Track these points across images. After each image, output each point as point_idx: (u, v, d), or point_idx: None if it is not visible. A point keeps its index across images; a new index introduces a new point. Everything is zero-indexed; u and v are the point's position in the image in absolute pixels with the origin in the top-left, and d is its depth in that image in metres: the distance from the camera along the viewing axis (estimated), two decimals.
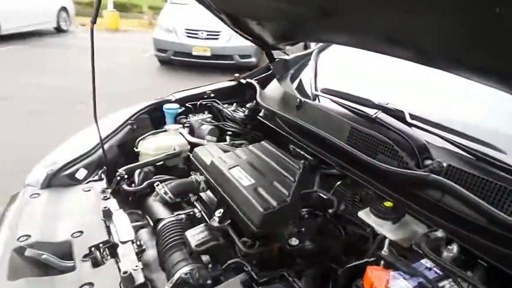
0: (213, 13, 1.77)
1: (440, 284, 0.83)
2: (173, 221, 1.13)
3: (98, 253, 1.02)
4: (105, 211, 1.16)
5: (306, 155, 1.44)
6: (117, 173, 1.38)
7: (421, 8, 0.78)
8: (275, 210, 1.03)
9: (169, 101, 1.86)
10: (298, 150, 1.50)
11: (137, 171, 1.48)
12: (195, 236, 1.00)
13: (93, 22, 1.19)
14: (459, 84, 1.13)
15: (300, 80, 1.84)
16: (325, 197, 1.22)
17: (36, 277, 0.95)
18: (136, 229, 1.22)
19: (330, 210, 1.20)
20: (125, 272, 0.91)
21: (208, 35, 6.97)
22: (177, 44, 7.07)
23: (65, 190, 1.32)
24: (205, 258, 0.98)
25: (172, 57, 7.19)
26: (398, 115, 1.25)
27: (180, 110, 1.83)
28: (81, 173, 1.40)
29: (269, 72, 2.02)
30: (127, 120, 1.67)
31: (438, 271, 0.87)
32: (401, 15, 0.86)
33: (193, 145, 1.60)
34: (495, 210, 0.89)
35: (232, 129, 1.74)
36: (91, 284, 0.93)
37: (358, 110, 1.35)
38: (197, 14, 7.30)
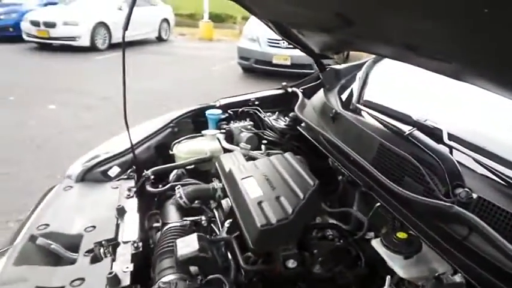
0: (262, 21, 1.73)
1: None
2: (176, 226, 1.10)
3: (101, 250, 1.03)
4: (119, 209, 1.18)
5: (344, 170, 1.30)
6: (143, 174, 1.40)
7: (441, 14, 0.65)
8: (272, 227, 0.94)
9: (213, 107, 1.85)
10: (337, 163, 1.37)
11: (172, 173, 1.49)
12: (184, 245, 0.95)
13: (125, 29, 1.22)
14: (506, 105, 0.93)
15: (347, 90, 1.71)
16: (358, 217, 1.09)
17: (39, 265, 0.99)
18: (154, 231, 1.22)
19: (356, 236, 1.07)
20: (110, 273, 0.90)
21: (288, 44, 6.94)
22: (259, 52, 7.19)
23: (96, 185, 1.37)
24: (193, 268, 0.93)
25: (253, 64, 7.34)
26: (435, 134, 1.08)
27: (222, 116, 1.81)
28: (114, 171, 1.44)
29: (318, 82, 1.90)
30: (168, 123, 1.70)
31: None
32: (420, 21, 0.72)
33: (227, 151, 1.57)
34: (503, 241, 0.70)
35: (269, 138, 1.66)
36: (82, 279, 0.93)
37: (393, 125, 1.19)
38: None
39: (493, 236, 0.74)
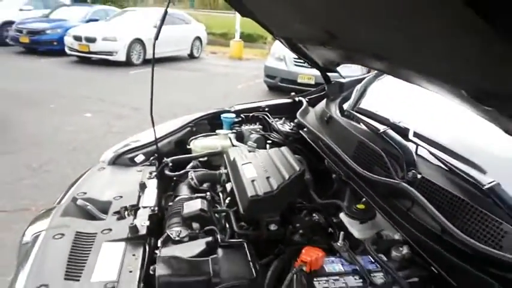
0: (276, 38, 2.02)
1: (373, 275, 0.90)
2: (185, 197, 1.37)
3: (125, 212, 1.31)
4: (141, 184, 1.47)
5: (337, 169, 1.54)
6: (163, 161, 1.69)
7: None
8: (259, 198, 1.19)
9: (228, 111, 2.14)
10: (331, 163, 1.61)
11: (191, 164, 1.76)
12: (189, 206, 1.22)
13: (156, 39, 1.52)
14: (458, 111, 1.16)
15: (348, 101, 1.96)
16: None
17: (78, 218, 1.28)
18: (169, 202, 1.49)
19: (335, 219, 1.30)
20: (131, 224, 1.17)
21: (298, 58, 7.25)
22: (285, 71, 7.52)
23: (124, 168, 1.67)
24: (195, 225, 1.19)
25: (279, 83, 7.65)
26: (403, 132, 1.31)
27: (235, 120, 2.09)
28: (139, 158, 1.74)
29: (322, 93, 2.16)
30: (188, 123, 2.00)
31: (376, 267, 0.93)
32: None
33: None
34: (447, 222, 0.91)
35: (274, 139, 1.92)
36: (110, 229, 1.21)
37: (372, 126, 1.43)
38: None
39: (425, 205, 0.97)
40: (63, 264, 1.04)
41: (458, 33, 0.62)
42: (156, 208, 1.31)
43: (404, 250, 0.97)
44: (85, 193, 1.43)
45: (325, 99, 2.05)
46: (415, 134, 1.27)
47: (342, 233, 1.04)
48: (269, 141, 1.90)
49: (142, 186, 1.47)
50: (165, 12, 1.52)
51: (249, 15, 1.88)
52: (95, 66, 9.75)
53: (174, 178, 1.65)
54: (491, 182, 0.93)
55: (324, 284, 0.87)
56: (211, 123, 2.10)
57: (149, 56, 10.35)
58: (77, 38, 9.79)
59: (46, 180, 3.86)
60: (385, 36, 0.92)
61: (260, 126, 2.06)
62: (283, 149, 1.55)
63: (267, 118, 2.09)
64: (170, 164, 1.69)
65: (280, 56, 7.57)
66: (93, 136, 5.09)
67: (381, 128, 1.36)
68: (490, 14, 0.49)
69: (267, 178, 1.29)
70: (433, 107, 1.46)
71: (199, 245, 1.07)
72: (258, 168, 1.38)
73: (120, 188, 1.50)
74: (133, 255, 1.12)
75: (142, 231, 1.18)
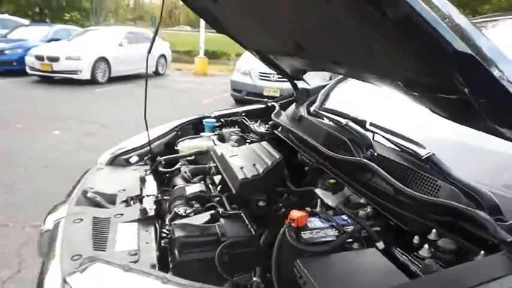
0: (249, 51, 2.29)
1: (345, 228, 1.16)
2: (182, 186, 1.59)
3: (132, 201, 1.52)
4: (141, 178, 1.68)
5: (309, 158, 1.80)
6: (157, 159, 1.91)
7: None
8: (249, 180, 1.44)
9: (209, 117, 2.38)
10: (304, 157, 1.88)
11: (180, 162, 1.98)
12: (191, 188, 1.46)
13: (149, 52, 1.75)
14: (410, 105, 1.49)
15: (313, 103, 2.26)
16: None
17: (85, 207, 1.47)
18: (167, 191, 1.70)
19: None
20: (142, 207, 1.39)
21: (278, 77, 7.63)
22: (250, 85, 7.86)
23: (121, 168, 1.88)
24: (197, 205, 1.42)
25: (245, 96, 7.96)
26: (361, 123, 1.61)
27: (216, 124, 2.34)
28: (134, 159, 1.95)
29: (291, 98, 2.45)
30: (174, 128, 2.22)
31: (348, 221, 1.20)
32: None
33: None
34: (398, 183, 1.20)
35: (251, 139, 2.18)
36: (121, 214, 1.42)
37: (336, 120, 1.72)
38: None
39: (382, 173, 1.25)
40: (88, 240, 1.24)
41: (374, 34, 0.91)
42: (160, 195, 1.53)
43: (368, 209, 1.24)
44: (92, 188, 1.62)
45: (294, 103, 2.34)
46: (371, 124, 1.57)
47: (319, 200, 1.31)
48: (248, 141, 2.15)
49: (142, 180, 1.68)
50: (156, 30, 1.76)
51: (224, 32, 2.15)
52: (57, 86, 9.70)
53: (167, 174, 1.87)
54: (428, 153, 1.23)
55: (309, 235, 1.12)
56: (195, 127, 2.33)
57: (114, 74, 10.42)
58: (39, 58, 9.72)
59: (20, 196, 3.91)
60: (339, 46, 1.22)
61: (238, 129, 2.32)
62: (263, 142, 1.82)
63: (245, 121, 2.35)
64: (163, 162, 1.91)
65: (246, 70, 7.92)
66: (64, 153, 5.14)
67: (343, 121, 1.66)
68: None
69: (253, 165, 1.55)
70: (382, 102, 1.78)
71: (205, 216, 1.30)
72: (244, 159, 1.63)
73: (121, 183, 1.70)
74: (147, 231, 1.33)
75: (151, 213, 1.40)
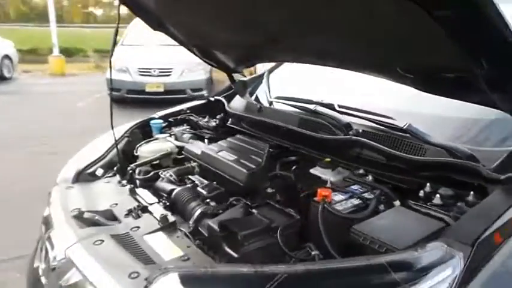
0: (186, 47, 2.32)
1: (363, 195, 1.39)
2: (185, 187, 1.61)
3: (137, 213, 1.48)
4: (131, 189, 1.63)
5: (276, 140, 1.94)
6: (129, 168, 1.84)
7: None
8: (254, 170, 1.55)
9: (154, 118, 2.34)
10: (276, 141, 2.00)
11: (139, 169, 1.93)
12: (206, 189, 1.51)
13: (111, 55, 1.67)
14: (369, 83, 1.77)
15: (257, 93, 2.43)
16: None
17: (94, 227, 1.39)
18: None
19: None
20: (162, 214, 1.38)
21: (160, 72, 7.52)
22: (130, 82, 7.53)
23: (91, 183, 1.76)
24: (213, 203, 1.48)
25: (125, 95, 7.59)
26: (330, 106, 1.84)
27: (164, 124, 2.32)
28: (99, 171, 1.84)
29: (231, 91, 2.57)
30: (124, 134, 2.14)
31: (361, 190, 1.42)
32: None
33: (180, 148, 2.09)
34: (393, 150, 1.47)
35: (209, 135, 2.24)
36: (138, 227, 1.38)
37: (302, 106, 1.92)
38: (150, 54, 7.92)
39: (374, 145, 1.51)
40: (128, 257, 1.20)
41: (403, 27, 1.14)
42: (168, 203, 1.52)
43: (370, 177, 1.49)
44: (79, 208, 1.50)
45: (237, 96, 2.47)
46: (340, 106, 1.82)
47: (329, 180, 1.50)
48: (206, 137, 2.21)
49: (132, 190, 1.63)
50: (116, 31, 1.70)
51: (160, 29, 2.16)
52: None
53: (144, 181, 1.83)
54: (406, 123, 1.53)
55: (339, 206, 1.31)
56: (143, 131, 2.27)
57: None
58: None
59: None
60: (336, 37, 1.42)
61: (188, 127, 2.34)
62: (239, 136, 1.93)
63: (193, 118, 2.39)
64: (136, 170, 1.85)
65: (122, 67, 7.55)
66: None
67: (311, 106, 1.88)
68: None
69: (248, 157, 1.65)
70: (336, 83, 2.06)
71: (237, 210, 1.38)
72: (233, 152, 1.72)
73: (106, 198, 1.61)
74: (177, 236, 1.34)
75: (171, 219, 1.40)
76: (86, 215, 1.44)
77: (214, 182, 1.67)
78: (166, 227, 1.38)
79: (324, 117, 1.79)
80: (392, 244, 1.08)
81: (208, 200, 1.50)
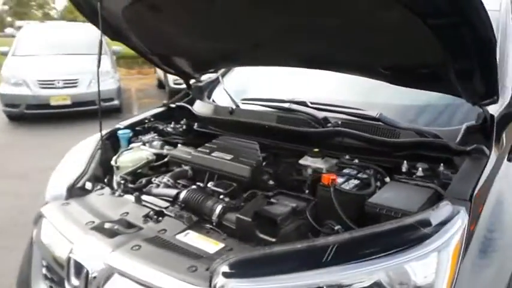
0: (145, 57, 2.37)
1: (358, 175, 1.64)
2: (193, 188, 1.70)
3: (154, 218, 1.53)
4: (136, 197, 1.66)
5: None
6: (119, 179, 1.85)
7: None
8: (255, 166, 1.71)
9: (119, 128, 2.33)
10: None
11: (117, 178, 1.95)
12: (219, 187, 1.62)
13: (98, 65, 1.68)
14: (333, 80, 2.05)
15: (213, 97, 2.59)
16: None
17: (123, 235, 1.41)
18: None
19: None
20: (188, 215, 1.47)
21: (65, 83, 7.08)
22: (30, 96, 6.94)
23: (85, 197, 1.73)
24: (226, 199, 1.60)
25: (25, 111, 6.98)
26: (302, 103, 2.08)
27: (131, 134, 2.32)
28: (88, 185, 1.82)
29: (190, 97, 2.66)
30: (97, 147, 2.11)
31: (353, 172, 1.68)
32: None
33: (157, 155, 2.14)
34: (374, 136, 1.75)
35: (180, 140, 2.31)
36: (164, 229, 1.44)
37: (276, 105, 2.13)
38: (50, 64, 7.36)
39: (355, 133, 1.78)
40: (176, 256, 1.28)
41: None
42: (183, 204, 1.60)
43: (356, 161, 1.75)
44: (92, 222, 1.50)
45: (198, 101, 2.58)
46: (311, 102, 2.07)
47: (324, 167, 1.72)
48: (179, 143, 2.28)
49: (138, 199, 1.66)
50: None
51: (116, 37, 2.21)
52: None
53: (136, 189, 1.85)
54: (378, 113, 1.83)
55: (347, 186, 1.55)
56: (112, 142, 2.25)
57: None
58: None
59: None
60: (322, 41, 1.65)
61: (156, 134, 2.38)
62: (223, 137, 2.06)
63: (159, 126, 2.43)
64: (127, 179, 1.87)
65: (18, 80, 6.92)
66: None
67: (285, 105, 2.09)
68: None
69: (243, 155, 1.80)
70: (295, 81, 2.33)
71: (258, 201, 1.52)
72: (226, 152, 1.85)
73: (111, 209, 1.63)
74: (208, 232, 1.45)
75: (194, 218, 1.50)
76: (108, 225, 1.45)
77: (211, 182, 1.78)
78: (192, 226, 1.47)
79: (300, 114, 2.02)
80: (406, 209, 1.34)
81: (222, 196, 1.61)
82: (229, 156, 1.80)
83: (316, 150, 1.85)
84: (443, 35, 1.28)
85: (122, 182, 1.85)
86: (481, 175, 1.42)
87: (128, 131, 2.32)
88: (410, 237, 1.18)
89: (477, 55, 1.30)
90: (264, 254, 1.19)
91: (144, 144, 2.24)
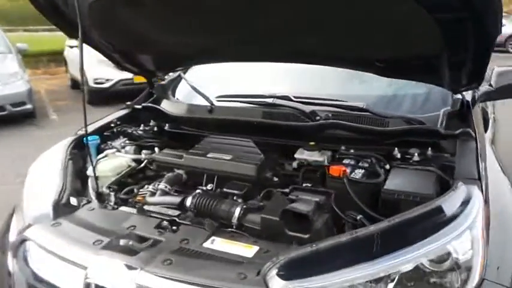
0: (105, 54, 2.19)
1: (359, 164, 1.70)
2: (202, 193, 1.64)
3: (169, 228, 1.43)
4: (139, 208, 1.54)
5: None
6: (110, 190, 1.70)
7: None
8: (260, 164, 1.68)
9: (83, 135, 2.12)
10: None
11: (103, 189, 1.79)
12: (233, 189, 1.58)
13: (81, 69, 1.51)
14: (314, 74, 2.10)
15: (180, 95, 2.50)
16: None
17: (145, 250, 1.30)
18: None
19: None
20: (208, 221, 1.40)
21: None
22: None
23: (73, 214, 1.56)
24: (239, 200, 1.56)
25: None
26: (286, 98, 2.09)
27: (99, 141, 2.13)
28: (73, 200, 1.64)
29: (155, 96, 2.52)
30: (66, 158, 1.90)
31: (354, 162, 1.73)
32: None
33: (136, 160, 2.01)
34: (368, 126, 1.82)
35: (155, 143, 2.18)
36: (186, 239, 1.36)
37: (258, 101, 2.11)
38: None
39: (347, 125, 1.83)
40: (215, 265, 1.22)
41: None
42: (196, 211, 1.52)
43: (352, 150, 1.81)
44: (101, 241, 1.36)
45: (165, 100, 2.46)
46: (294, 97, 2.09)
47: (325, 159, 1.75)
48: (156, 145, 2.15)
49: (141, 210, 1.54)
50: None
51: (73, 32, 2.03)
52: None
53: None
54: (363, 104, 1.91)
55: (356, 176, 1.59)
56: (79, 151, 2.05)
57: None
58: None
59: None
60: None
61: (126, 138, 2.21)
62: (209, 137, 1.98)
63: (128, 129, 2.26)
64: (115, 189, 1.72)
65: None
66: None
67: (269, 100, 2.08)
68: None
69: (244, 154, 1.76)
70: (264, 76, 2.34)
71: (278, 200, 1.50)
72: (222, 152, 1.79)
73: (113, 223, 1.50)
74: (232, 236, 1.40)
75: (215, 224, 1.43)
76: (123, 242, 1.33)
77: (210, 185, 1.72)
78: (215, 231, 1.41)
79: (285, 108, 2.03)
80: (424, 192, 1.43)
81: (235, 198, 1.57)
82: (228, 156, 1.75)
83: (312, 143, 1.88)
84: (448, 29, 1.36)
85: (112, 193, 1.70)
86: (477, 155, 1.56)
87: (96, 137, 2.13)
88: (442, 219, 1.26)
89: (476, 47, 1.42)
90: (313, 252, 1.18)
91: (118, 150, 2.07)
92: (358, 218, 1.47)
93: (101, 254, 1.29)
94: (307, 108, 1.99)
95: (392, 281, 1.16)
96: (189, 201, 1.59)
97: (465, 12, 1.29)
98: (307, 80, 2.31)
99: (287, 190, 1.58)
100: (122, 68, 2.37)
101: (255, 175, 1.65)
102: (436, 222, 1.26)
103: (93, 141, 2.10)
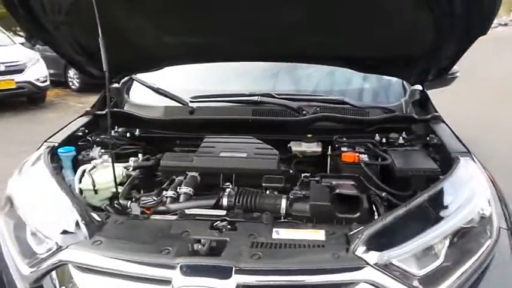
0: (67, 56, 2.02)
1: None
2: (238, 191, 1.66)
3: (224, 225, 1.41)
4: (181, 213, 1.49)
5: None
6: (126, 201, 1.63)
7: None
8: (278, 157, 1.77)
9: (58, 147, 1.89)
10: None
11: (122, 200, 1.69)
12: (272, 182, 1.64)
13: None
14: (294, 73, 2.26)
15: (138, 98, 2.44)
16: None
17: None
18: None
19: None
20: (257, 214, 1.46)
21: None
22: None
23: (103, 230, 1.40)
24: (275, 192, 1.65)
25: None
26: (269, 95, 2.19)
27: (75, 153, 1.92)
28: (95, 216, 1.48)
29: (114, 100, 2.35)
30: (53, 173, 1.69)
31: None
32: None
33: (134, 168, 1.91)
34: (354, 116, 2.05)
35: (138, 149, 2.06)
36: (253, 234, 1.34)
37: (242, 99, 2.18)
38: None
39: (336, 116, 2.04)
40: (310, 249, 1.27)
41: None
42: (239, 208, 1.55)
43: (344, 139, 2.00)
44: (168, 249, 1.28)
45: (127, 104, 2.32)
46: (277, 94, 2.21)
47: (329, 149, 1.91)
48: (140, 151, 2.03)
49: (183, 214, 1.49)
50: None
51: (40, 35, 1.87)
52: None
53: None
54: (342, 97, 2.15)
55: (366, 160, 1.80)
56: (57, 163, 1.82)
57: None
58: None
59: None
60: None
61: (100, 147, 2.04)
62: (209, 136, 1.98)
63: (101, 138, 2.08)
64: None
65: None
66: None
67: (255, 98, 2.17)
68: None
69: (257, 150, 1.81)
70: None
71: (316, 188, 1.61)
72: (234, 150, 1.81)
73: (162, 232, 1.41)
74: (291, 225, 1.47)
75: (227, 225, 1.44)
76: (195, 247, 1.28)
77: (229, 183, 1.74)
78: (273, 223, 1.46)
79: (270, 105, 2.14)
80: (431, 168, 1.70)
81: (268, 191, 1.65)
82: (243, 154, 1.78)
83: (309, 135, 2.03)
84: (445, 32, 1.66)
85: (133, 202, 1.59)
86: (454, 134, 1.91)
87: (71, 148, 1.91)
88: (464, 187, 1.54)
89: (461, 45, 1.74)
90: (383, 224, 1.33)
91: (106, 160, 1.91)
92: (383, 195, 1.68)
93: (183, 262, 1.22)
94: (294, 104, 2.14)
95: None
96: (225, 201, 1.59)
97: (465, 19, 1.57)
98: (276, 77, 2.46)
99: (317, 178, 1.71)
100: (82, 71, 2.17)
101: (277, 168, 1.73)
102: (461, 189, 1.53)
103: (69, 152, 1.89)
